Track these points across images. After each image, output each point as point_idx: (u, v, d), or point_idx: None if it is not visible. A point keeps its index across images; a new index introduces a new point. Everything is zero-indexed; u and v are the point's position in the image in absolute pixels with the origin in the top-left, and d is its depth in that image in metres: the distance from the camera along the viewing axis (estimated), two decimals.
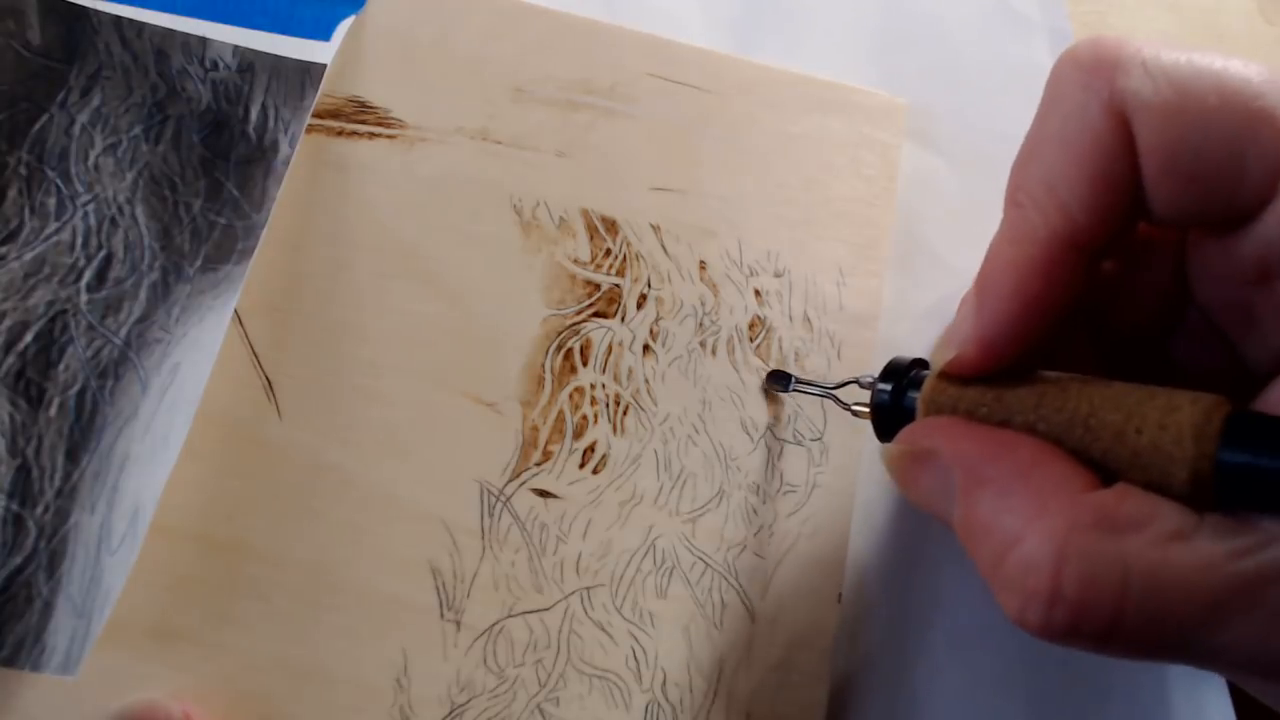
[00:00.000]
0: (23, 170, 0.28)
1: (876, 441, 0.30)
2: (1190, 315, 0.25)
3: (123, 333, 0.27)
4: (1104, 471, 0.20)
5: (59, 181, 0.28)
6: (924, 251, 0.33)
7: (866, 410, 0.27)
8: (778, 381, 0.30)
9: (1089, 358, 0.26)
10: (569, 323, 0.30)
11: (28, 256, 0.28)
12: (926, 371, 0.25)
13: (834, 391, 0.29)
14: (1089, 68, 0.21)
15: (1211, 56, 0.20)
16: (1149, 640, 0.19)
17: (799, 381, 0.30)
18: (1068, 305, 0.22)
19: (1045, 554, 0.19)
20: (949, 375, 0.24)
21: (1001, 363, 0.23)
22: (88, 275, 0.28)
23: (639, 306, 0.30)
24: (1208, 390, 0.20)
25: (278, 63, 0.31)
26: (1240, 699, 0.30)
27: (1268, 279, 0.21)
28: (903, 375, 0.26)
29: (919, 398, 0.24)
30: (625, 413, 0.29)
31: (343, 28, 0.31)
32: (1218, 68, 0.20)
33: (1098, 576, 0.19)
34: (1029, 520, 0.20)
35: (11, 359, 0.27)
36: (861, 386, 0.27)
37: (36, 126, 0.29)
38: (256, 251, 0.28)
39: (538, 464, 0.28)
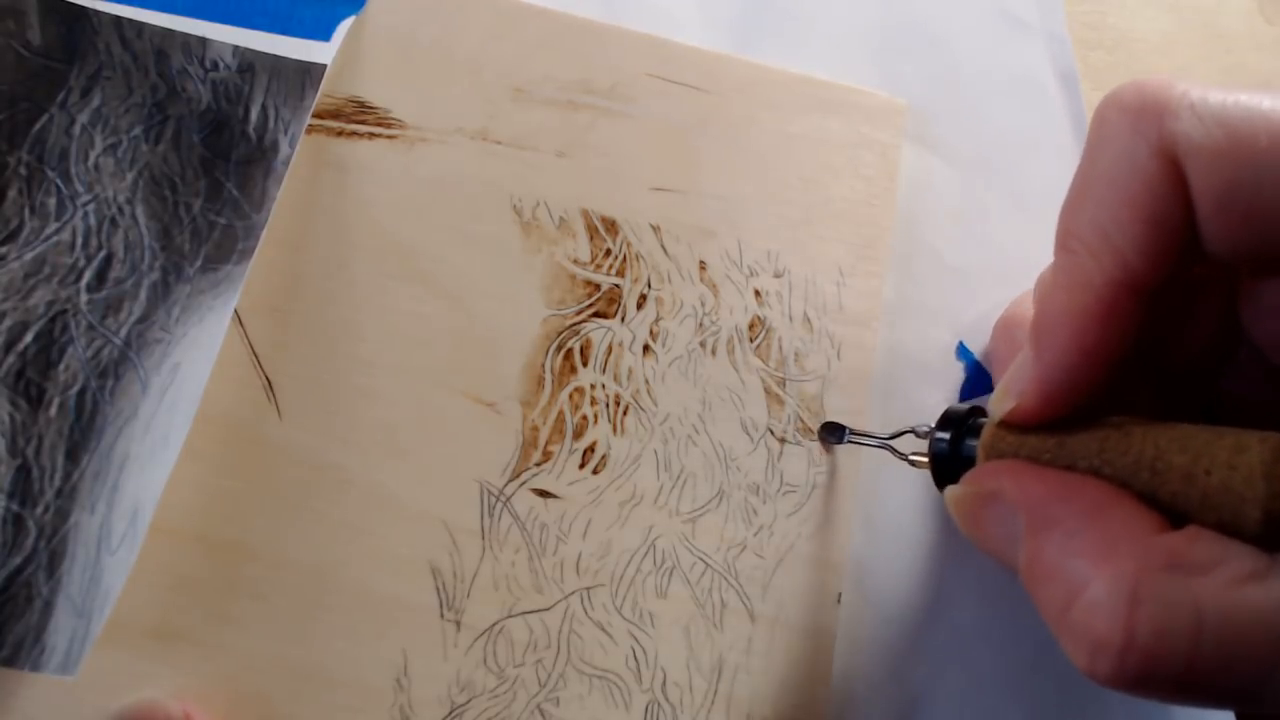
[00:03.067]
0: (23, 170, 0.28)
1: (877, 440, 0.30)
2: (1243, 351, 0.25)
3: (123, 333, 0.27)
4: (1173, 515, 0.20)
5: (59, 181, 0.28)
6: (924, 251, 0.33)
7: (924, 460, 0.27)
8: (831, 434, 0.30)
9: (1143, 395, 0.26)
10: (569, 323, 0.30)
11: (28, 256, 0.28)
12: (984, 419, 0.25)
13: (890, 441, 0.29)
14: (1136, 111, 0.21)
15: (1260, 96, 0.20)
16: (1223, 686, 0.18)
17: (853, 433, 0.30)
18: (1126, 350, 0.22)
19: (1115, 598, 0.18)
20: (1009, 424, 0.24)
21: (1062, 411, 0.22)
22: (88, 275, 0.28)
23: (639, 307, 0.30)
24: (1264, 426, 0.19)
25: (278, 63, 0.31)
26: None
27: None
28: (961, 423, 0.26)
29: (979, 445, 0.24)
30: (625, 413, 0.29)
31: (343, 28, 0.31)
32: (1266, 107, 0.20)
33: (1171, 622, 0.18)
34: (1097, 563, 0.19)
35: (11, 359, 0.27)
36: (918, 436, 0.27)
37: (36, 126, 0.29)
38: (256, 251, 0.28)
39: (538, 464, 0.28)
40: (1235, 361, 0.25)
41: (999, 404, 0.24)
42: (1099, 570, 0.19)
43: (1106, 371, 0.22)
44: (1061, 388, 0.22)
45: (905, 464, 0.28)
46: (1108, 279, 0.22)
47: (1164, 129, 0.21)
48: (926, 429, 0.27)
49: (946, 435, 0.26)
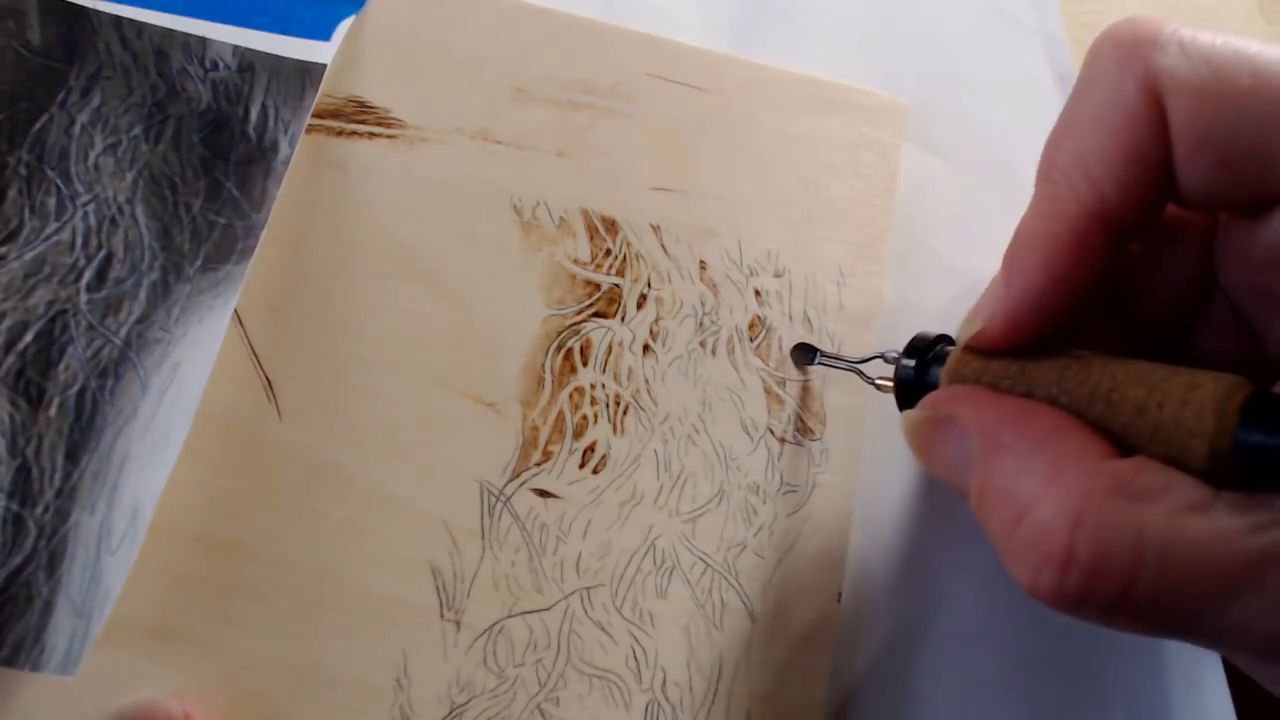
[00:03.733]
0: (23, 170, 0.28)
1: (876, 442, 0.30)
2: (1214, 305, 0.25)
3: (123, 333, 0.27)
4: (1123, 445, 0.21)
5: (59, 181, 0.28)
6: (924, 251, 0.33)
7: (890, 384, 0.27)
8: (803, 355, 0.30)
9: (1112, 345, 0.26)
10: (569, 323, 0.30)
11: (28, 256, 0.28)
12: (951, 347, 0.26)
13: (859, 365, 0.29)
14: (1126, 45, 0.21)
15: (1249, 40, 0.20)
16: (1159, 612, 0.19)
17: (824, 355, 0.30)
18: (1095, 283, 0.23)
19: (1061, 518, 0.19)
20: (974, 348, 0.24)
21: (1027, 337, 0.23)
22: (88, 275, 0.28)
23: (639, 306, 0.30)
24: None
25: (278, 63, 0.31)
26: (1241, 701, 0.30)
27: None
28: (927, 350, 0.26)
29: (943, 371, 0.25)
30: (625, 413, 0.29)
31: (343, 28, 0.31)
32: (1253, 50, 0.20)
33: (1112, 543, 0.18)
34: (1046, 485, 0.20)
35: (11, 359, 0.27)
36: (886, 361, 0.28)
37: (36, 126, 0.29)
38: (256, 251, 0.28)
39: (538, 464, 0.28)
40: (1206, 315, 0.25)
41: (966, 328, 0.24)
42: (1047, 491, 0.20)
43: (1074, 302, 0.23)
44: (1028, 313, 0.23)
45: (903, 460, 0.28)
46: (1082, 209, 0.22)
47: (1150, 64, 0.21)
48: (895, 355, 0.27)
49: (912, 361, 0.26)
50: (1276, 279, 0.22)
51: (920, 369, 0.26)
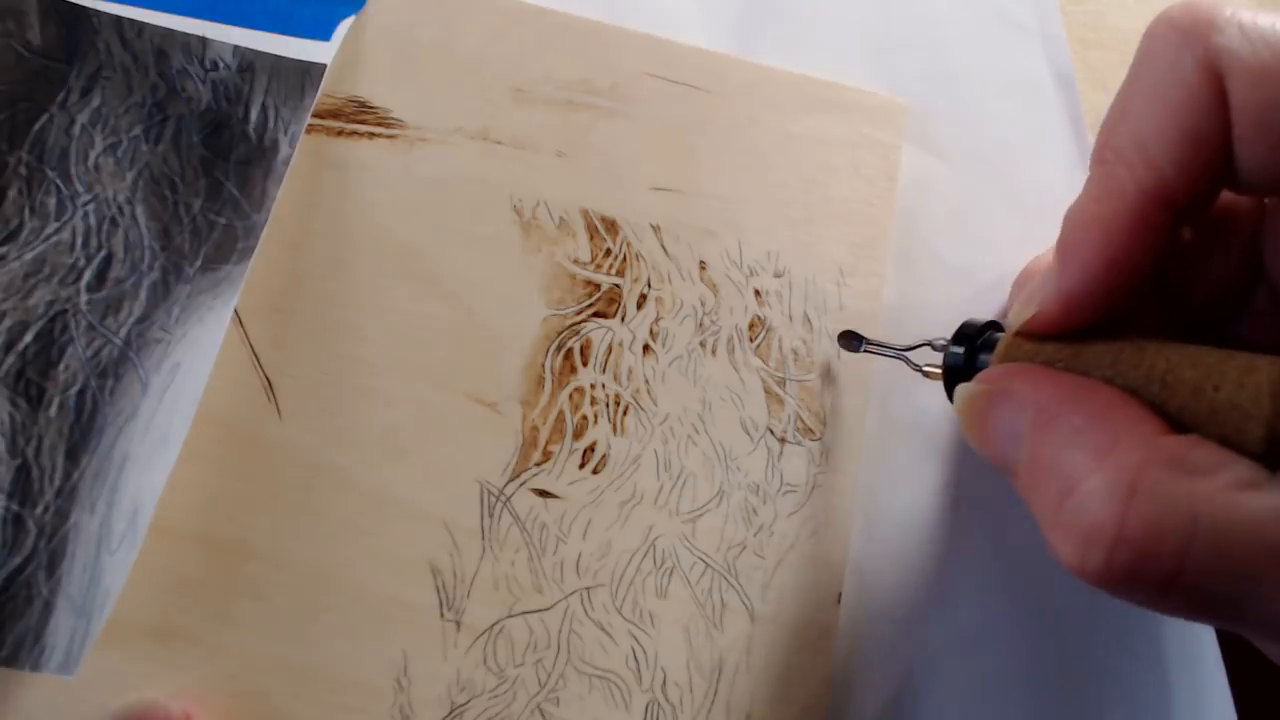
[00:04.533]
0: (23, 170, 0.28)
1: (876, 442, 0.30)
2: (1258, 296, 0.25)
3: (123, 333, 0.27)
4: (1178, 427, 0.20)
5: (59, 181, 0.28)
6: (924, 251, 0.33)
7: (938, 371, 0.27)
8: (850, 341, 0.30)
9: (1157, 332, 0.26)
10: (569, 323, 0.30)
11: (28, 256, 0.28)
12: (999, 334, 0.26)
13: (906, 353, 0.29)
14: (1185, 27, 0.21)
15: None
16: (1209, 593, 0.18)
17: (870, 343, 0.30)
18: (1151, 266, 0.22)
19: (1113, 491, 0.18)
20: (1027, 333, 0.24)
21: (1082, 320, 0.23)
22: (88, 275, 0.28)
23: (639, 306, 0.30)
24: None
25: (278, 63, 0.31)
26: (1241, 702, 0.30)
27: None
28: (976, 337, 0.26)
29: (993, 356, 0.25)
30: (625, 413, 0.29)
31: (343, 28, 0.31)
32: None
33: (1165, 518, 0.18)
34: (1099, 458, 0.19)
35: (11, 359, 0.27)
36: (935, 349, 0.27)
37: (36, 126, 0.29)
38: (256, 251, 0.28)
39: (538, 464, 0.28)
40: (1250, 304, 0.25)
41: (1019, 314, 0.24)
42: (1100, 464, 0.19)
43: (1129, 285, 0.22)
44: (1083, 296, 0.22)
45: (903, 460, 0.28)
46: (1140, 189, 0.22)
47: (1210, 44, 0.21)
48: (943, 342, 0.27)
49: (961, 349, 0.26)
50: None
51: (969, 355, 0.26)
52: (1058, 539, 0.20)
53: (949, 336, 0.27)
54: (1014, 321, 0.24)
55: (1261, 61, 0.20)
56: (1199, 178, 0.21)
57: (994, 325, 0.26)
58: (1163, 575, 0.18)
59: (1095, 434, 0.20)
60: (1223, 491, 0.18)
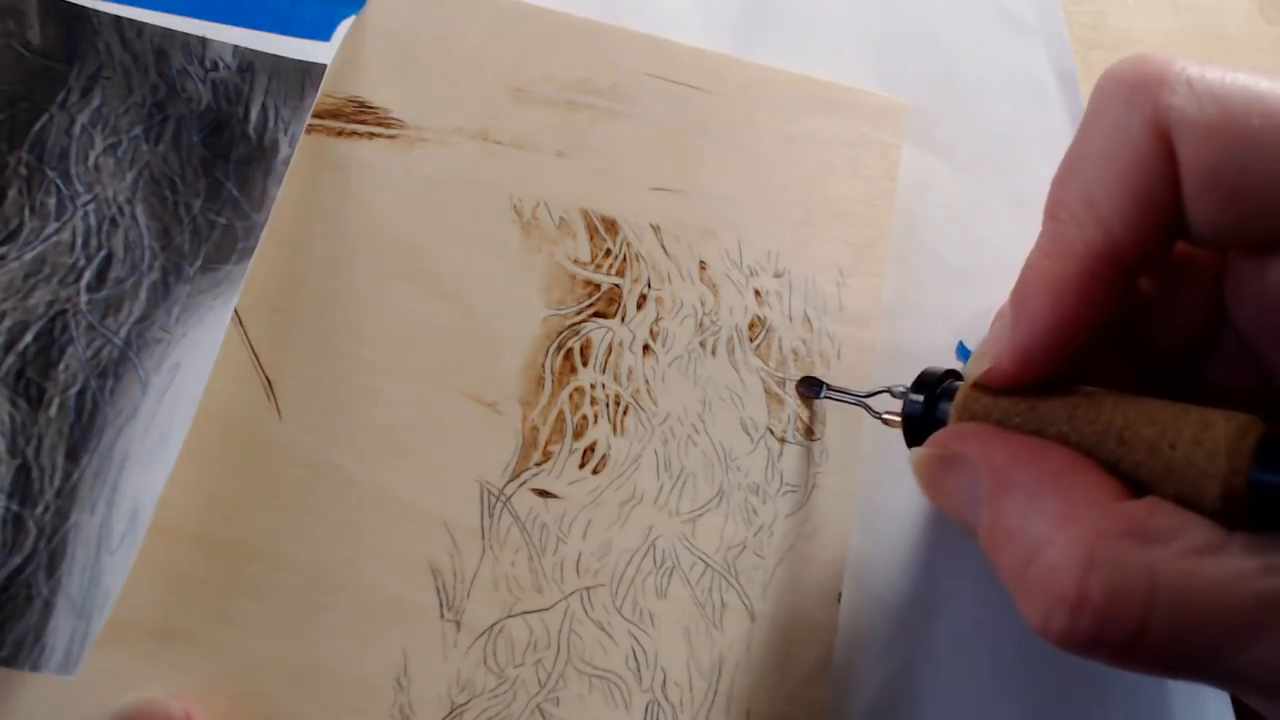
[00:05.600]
0: (23, 170, 0.28)
1: (876, 440, 0.30)
2: (1225, 339, 0.25)
3: (123, 333, 0.27)
4: (1135, 485, 0.20)
5: (59, 181, 0.28)
6: (924, 251, 0.33)
7: (898, 419, 0.27)
8: (809, 388, 0.30)
9: (1124, 379, 0.26)
10: (569, 323, 0.30)
11: (28, 256, 0.28)
12: (959, 382, 0.25)
13: (866, 400, 0.29)
14: (1133, 84, 0.21)
15: (1257, 77, 0.20)
16: (1173, 654, 0.18)
17: (830, 389, 0.30)
18: (1104, 321, 0.22)
19: (1072, 559, 0.19)
20: (983, 386, 0.24)
21: (1036, 375, 0.23)
22: (88, 275, 0.28)
23: (639, 306, 0.30)
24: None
25: (278, 63, 0.31)
26: (1239, 700, 0.30)
27: None
28: (935, 385, 0.26)
29: (952, 407, 0.24)
30: (625, 413, 0.29)
31: (343, 28, 0.31)
32: (1263, 88, 0.20)
33: (1124, 585, 0.18)
34: (1056, 526, 0.19)
35: (11, 359, 0.27)
36: (894, 396, 0.27)
37: (36, 126, 0.29)
38: (256, 251, 0.28)
39: (538, 464, 0.28)
40: (1218, 350, 0.25)
41: (975, 366, 0.24)
42: (1058, 532, 0.19)
43: (1083, 340, 0.22)
44: (1037, 352, 0.22)
45: (903, 460, 0.28)
46: (1090, 248, 0.22)
47: (1159, 102, 0.21)
48: (902, 389, 0.27)
49: (921, 397, 0.26)
50: None
51: (928, 404, 0.26)
52: (1022, 603, 0.20)
53: (908, 384, 0.26)
54: (971, 373, 0.24)
55: (1209, 119, 0.20)
56: (1149, 236, 0.21)
57: (953, 374, 0.26)
58: (1125, 639, 0.18)
59: (1051, 501, 0.20)
60: (1180, 558, 0.18)
